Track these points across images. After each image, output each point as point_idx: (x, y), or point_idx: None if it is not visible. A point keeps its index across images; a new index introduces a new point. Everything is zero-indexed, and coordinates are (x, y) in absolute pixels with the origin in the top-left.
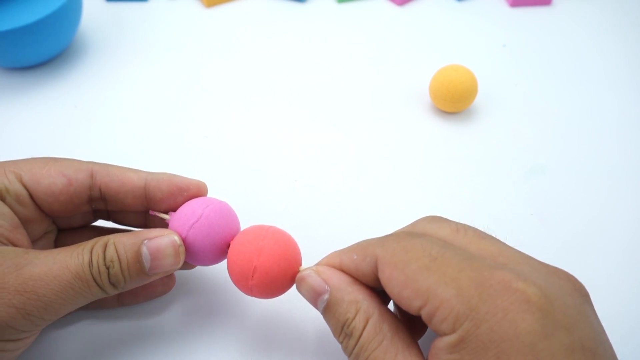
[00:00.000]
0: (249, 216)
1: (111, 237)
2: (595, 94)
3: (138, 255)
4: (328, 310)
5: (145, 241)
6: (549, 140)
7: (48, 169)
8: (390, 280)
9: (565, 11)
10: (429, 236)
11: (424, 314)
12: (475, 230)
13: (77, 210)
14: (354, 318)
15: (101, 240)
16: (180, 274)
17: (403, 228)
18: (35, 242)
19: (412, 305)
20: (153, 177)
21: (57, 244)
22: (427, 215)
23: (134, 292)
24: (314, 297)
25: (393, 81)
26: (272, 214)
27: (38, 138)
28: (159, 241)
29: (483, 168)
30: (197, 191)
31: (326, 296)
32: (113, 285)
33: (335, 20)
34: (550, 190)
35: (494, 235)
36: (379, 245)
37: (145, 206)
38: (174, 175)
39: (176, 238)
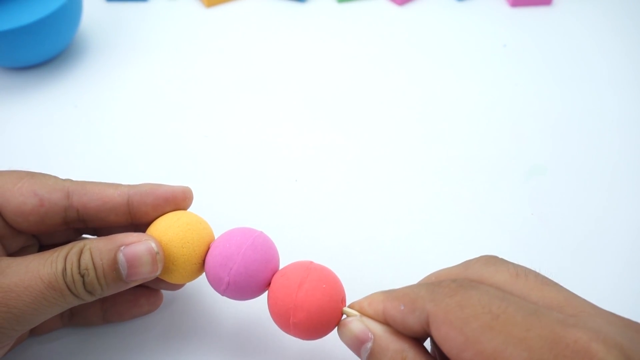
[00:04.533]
0: (249, 216)
1: (87, 243)
2: (596, 94)
3: (114, 263)
4: (372, 359)
5: (122, 247)
6: (549, 140)
7: (20, 187)
8: (447, 341)
9: (565, 11)
10: (485, 286)
11: None
12: (536, 274)
13: (52, 230)
14: None
15: (77, 245)
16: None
17: (453, 269)
18: (15, 254)
19: None
20: (136, 191)
21: None
22: (482, 255)
23: (119, 311)
24: (356, 344)
25: (393, 81)
26: (272, 214)
27: (38, 138)
28: (136, 248)
29: (483, 168)
30: (183, 198)
31: (370, 344)
32: (89, 292)
33: (335, 20)
34: (550, 190)
35: (555, 281)
36: (429, 299)
37: (129, 221)
38: (157, 186)
39: (153, 245)
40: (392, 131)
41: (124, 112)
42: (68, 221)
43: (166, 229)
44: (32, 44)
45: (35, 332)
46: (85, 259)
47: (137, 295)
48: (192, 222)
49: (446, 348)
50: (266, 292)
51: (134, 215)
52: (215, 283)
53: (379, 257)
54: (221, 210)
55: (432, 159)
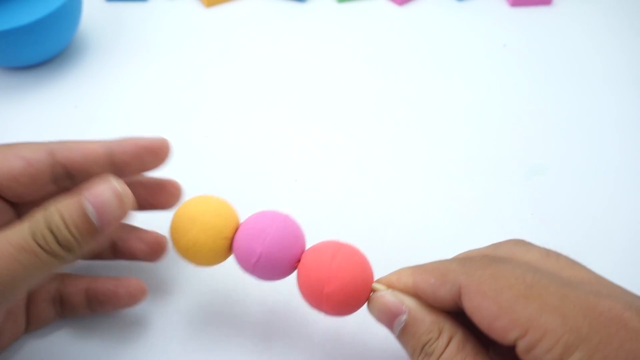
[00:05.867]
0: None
1: (52, 203)
2: (596, 94)
3: (82, 212)
4: (406, 332)
5: (86, 193)
6: (549, 140)
7: (5, 154)
8: (480, 310)
9: (565, 11)
10: (516, 260)
11: (522, 345)
12: (566, 256)
13: (43, 191)
14: (437, 338)
15: (41, 209)
16: (164, 281)
17: (483, 250)
18: None
19: (508, 335)
20: (116, 142)
21: None
22: (509, 239)
23: (100, 300)
24: (389, 318)
25: (393, 81)
26: None
27: (38, 138)
28: (97, 190)
29: (483, 168)
30: (160, 146)
31: (404, 317)
32: (66, 248)
33: (335, 20)
34: (551, 190)
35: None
36: (462, 271)
37: (113, 173)
38: (136, 137)
39: (115, 183)
40: (391, 131)
41: (124, 112)
42: (57, 178)
43: (204, 199)
44: (32, 44)
45: (30, 328)
46: (52, 215)
47: (117, 285)
48: (225, 201)
49: (478, 318)
50: (293, 275)
51: (117, 166)
52: (246, 256)
53: (379, 257)
54: None
55: (431, 159)
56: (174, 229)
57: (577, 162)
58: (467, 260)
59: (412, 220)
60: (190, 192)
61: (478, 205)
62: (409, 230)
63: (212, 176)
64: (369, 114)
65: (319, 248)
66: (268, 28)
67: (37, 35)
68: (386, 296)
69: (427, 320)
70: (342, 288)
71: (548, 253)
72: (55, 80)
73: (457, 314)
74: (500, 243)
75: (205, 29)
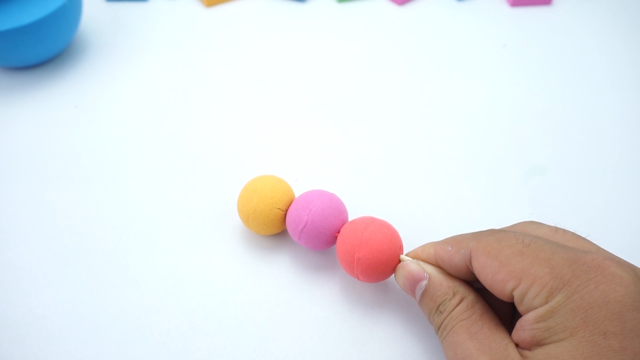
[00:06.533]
0: None
1: None
2: (596, 94)
3: None
4: (426, 295)
5: None
6: (550, 140)
7: None
8: (484, 268)
9: (565, 11)
10: (521, 231)
11: (516, 294)
12: (573, 232)
13: None
14: (451, 299)
15: None
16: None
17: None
18: None
19: (505, 287)
20: None
21: None
22: (524, 220)
23: None
24: (412, 284)
25: (393, 81)
26: None
27: (38, 138)
28: None
29: (483, 168)
30: None
31: (425, 282)
32: None
33: (335, 20)
34: (551, 190)
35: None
36: (473, 238)
37: None
38: None
39: None
40: (392, 131)
41: (123, 112)
42: None
43: (267, 177)
44: (32, 44)
45: None
46: None
47: None
48: (284, 180)
49: (483, 275)
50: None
51: None
52: (295, 224)
53: None
54: (221, 210)
55: (432, 159)
56: (240, 199)
57: (577, 162)
58: (478, 231)
59: (412, 220)
60: (189, 191)
61: (478, 204)
62: (408, 229)
63: (212, 176)
64: (369, 114)
65: (356, 221)
66: (268, 28)
67: (37, 35)
68: (410, 264)
69: (444, 284)
70: (371, 254)
71: (557, 229)
72: (55, 80)
73: (480, 291)
74: (514, 224)
75: (205, 29)
